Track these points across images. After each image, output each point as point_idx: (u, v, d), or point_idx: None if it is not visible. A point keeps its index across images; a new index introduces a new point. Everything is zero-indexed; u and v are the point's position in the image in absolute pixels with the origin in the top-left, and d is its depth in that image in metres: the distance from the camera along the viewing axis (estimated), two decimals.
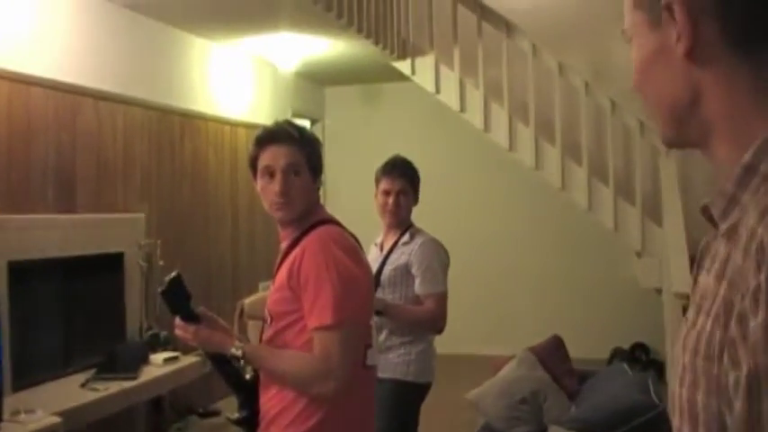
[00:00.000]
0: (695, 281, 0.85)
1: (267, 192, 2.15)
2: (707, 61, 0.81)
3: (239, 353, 2.02)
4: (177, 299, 2.10)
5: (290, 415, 2.02)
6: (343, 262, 2.02)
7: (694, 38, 0.81)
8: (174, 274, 2.09)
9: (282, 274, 2.08)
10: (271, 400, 2.07)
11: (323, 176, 2.27)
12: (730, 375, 0.70)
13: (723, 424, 0.72)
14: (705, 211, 0.83)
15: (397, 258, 3.34)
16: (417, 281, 3.29)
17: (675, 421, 0.80)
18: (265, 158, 2.14)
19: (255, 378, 2.14)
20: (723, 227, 0.79)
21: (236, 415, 2.15)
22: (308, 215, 2.15)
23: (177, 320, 2.11)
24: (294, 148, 2.13)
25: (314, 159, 2.17)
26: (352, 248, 2.12)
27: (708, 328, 0.74)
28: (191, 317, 2.08)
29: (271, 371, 2.07)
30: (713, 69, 0.81)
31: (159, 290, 2.11)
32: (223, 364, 2.10)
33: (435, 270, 3.32)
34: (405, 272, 3.31)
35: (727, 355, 0.70)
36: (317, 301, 1.97)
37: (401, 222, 3.39)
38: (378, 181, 3.39)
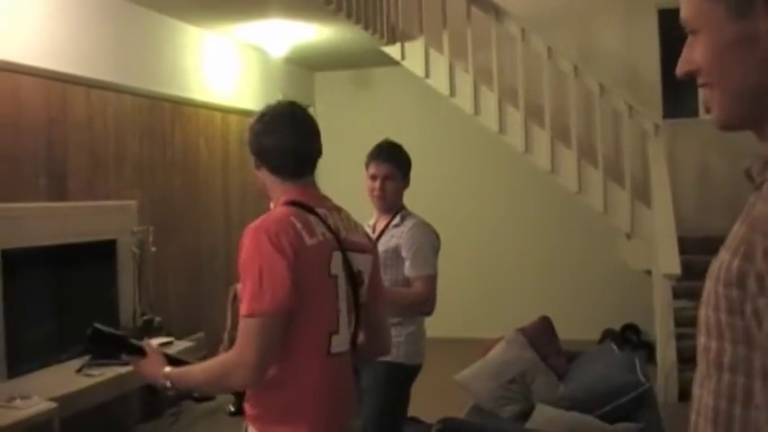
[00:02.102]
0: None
1: None
2: None
3: (168, 383, 2.06)
4: (107, 345, 2.20)
5: (250, 401, 2.06)
6: (265, 251, 1.95)
7: None
8: (88, 331, 2.17)
9: None
10: None
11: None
12: (759, 300, 0.83)
13: (749, 337, 0.85)
14: (747, 172, 0.97)
15: (388, 241, 3.36)
16: (407, 263, 3.31)
17: (702, 338, 0.93)
18: None
19: None
20: (757, 182, 0.94)
21: (230, 408, 2.22)
22: (275, 200, 2.18)
23: (124, 357, 2.20)
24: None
25: (253, 146, 2.20)
26: (286, 235, 1.98)
27: (726, 259, 0.89)
28: (134, 351, 2.15)
29: (195, 387, 2.11)
30: None
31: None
32: None
33: (425, 253, 3.34)
34: (395, 254, 3.34)
35: (756, 284, 0.84)
36: (244, 291, 1.97)
37: (390, 207, 3.42)
38: (366, 166, 3.42)
